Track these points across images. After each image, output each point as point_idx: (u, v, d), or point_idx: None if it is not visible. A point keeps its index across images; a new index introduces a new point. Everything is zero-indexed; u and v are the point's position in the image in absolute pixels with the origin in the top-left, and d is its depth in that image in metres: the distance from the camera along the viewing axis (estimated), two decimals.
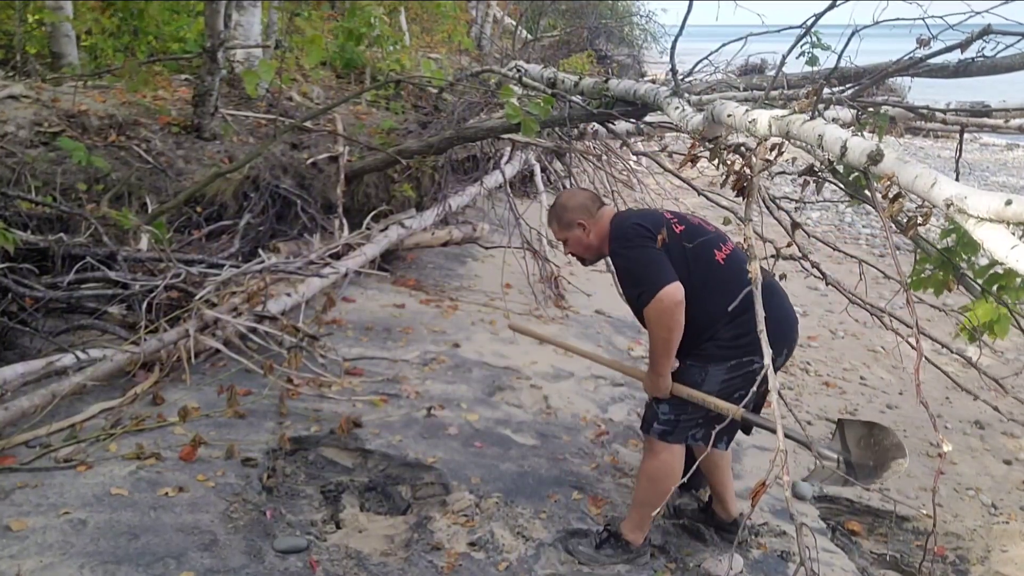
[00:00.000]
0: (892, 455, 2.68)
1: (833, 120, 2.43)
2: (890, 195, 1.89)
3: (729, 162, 2.81)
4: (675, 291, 2.65)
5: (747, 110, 2.74)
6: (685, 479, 2.37)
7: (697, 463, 2.38)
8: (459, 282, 6.34)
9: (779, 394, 2.17)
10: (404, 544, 2.90)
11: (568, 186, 7.14)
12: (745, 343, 2.74)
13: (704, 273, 2.79)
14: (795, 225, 3.29)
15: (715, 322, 2.77)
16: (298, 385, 3.91)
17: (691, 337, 2.76)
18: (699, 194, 4.29)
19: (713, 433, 2.17)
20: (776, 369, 2.82)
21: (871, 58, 3.60)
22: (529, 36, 12.98)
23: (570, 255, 3.12)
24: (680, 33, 3.74)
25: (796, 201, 4.27)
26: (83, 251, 4.14)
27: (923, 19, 2.81)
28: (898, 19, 2.84)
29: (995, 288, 2.83)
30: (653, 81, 4.46)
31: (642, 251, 2.75)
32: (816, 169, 2.93)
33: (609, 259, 3.03)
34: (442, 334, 4.98)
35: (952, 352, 3.38)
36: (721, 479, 3.21)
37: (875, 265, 3.72)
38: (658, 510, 2.42)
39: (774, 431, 2.77)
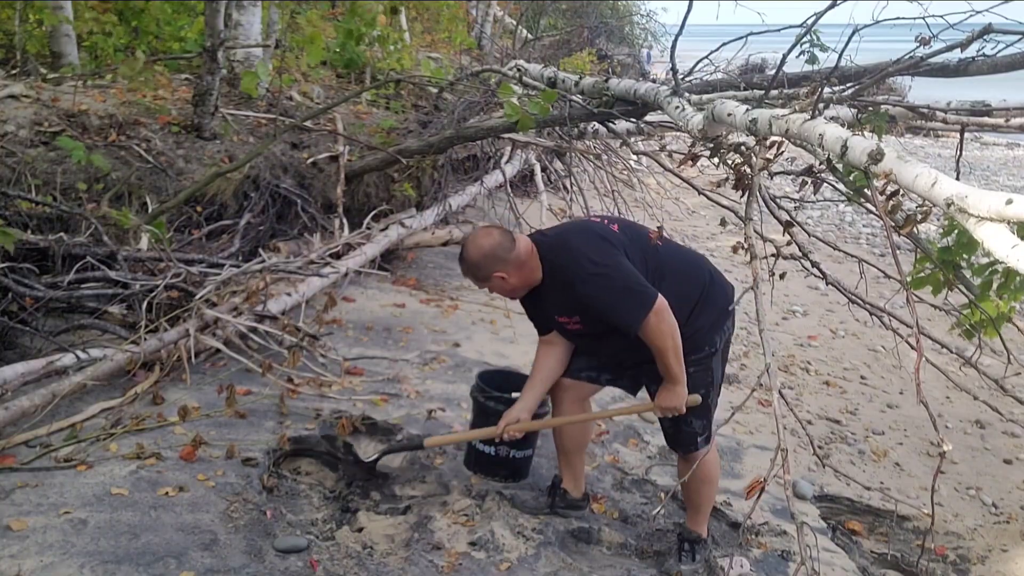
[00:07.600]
0: None
1: (833, 119, 2.43)
2: (888, 192, 1.90)
3: (730, 161, 2.81)
4: (661, 300, 2.53)
5: (747, 109, 2.74)
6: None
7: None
8: (459, 281, 6.32)
9: (780, 393, 2.16)
10: (404, 543, 2.90)
11: (568, 186, 7.14)
12: (714, 320, 2.74)
13: (660, 263, 2.69)
14: (790, 223, 3.30)
15: (691, 309, 2.69)
16: (298, 385, 3.91)
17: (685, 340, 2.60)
18: (699, 193, 4.29)
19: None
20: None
21: (871, 58, 3.60)
22: (529, 35, 13.00)
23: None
24: (680, 32, 3.75)
25: (796, 200, 4.27)
26: (83, 251, 4.13)
27: (923, 18, 2.81)
28: (898, 19, 2.85)
29: (995, 288, 2.84)
30: (654, 80, 4.46)
31: (617, 270, 2.54)
32: (815, 169, 2.93)
33: (569, 284, 2.66)
34: (442, 334, 4.97)
35: (952, 352, 3.38)
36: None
37: (875, 264, 3.72)
38: None
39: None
